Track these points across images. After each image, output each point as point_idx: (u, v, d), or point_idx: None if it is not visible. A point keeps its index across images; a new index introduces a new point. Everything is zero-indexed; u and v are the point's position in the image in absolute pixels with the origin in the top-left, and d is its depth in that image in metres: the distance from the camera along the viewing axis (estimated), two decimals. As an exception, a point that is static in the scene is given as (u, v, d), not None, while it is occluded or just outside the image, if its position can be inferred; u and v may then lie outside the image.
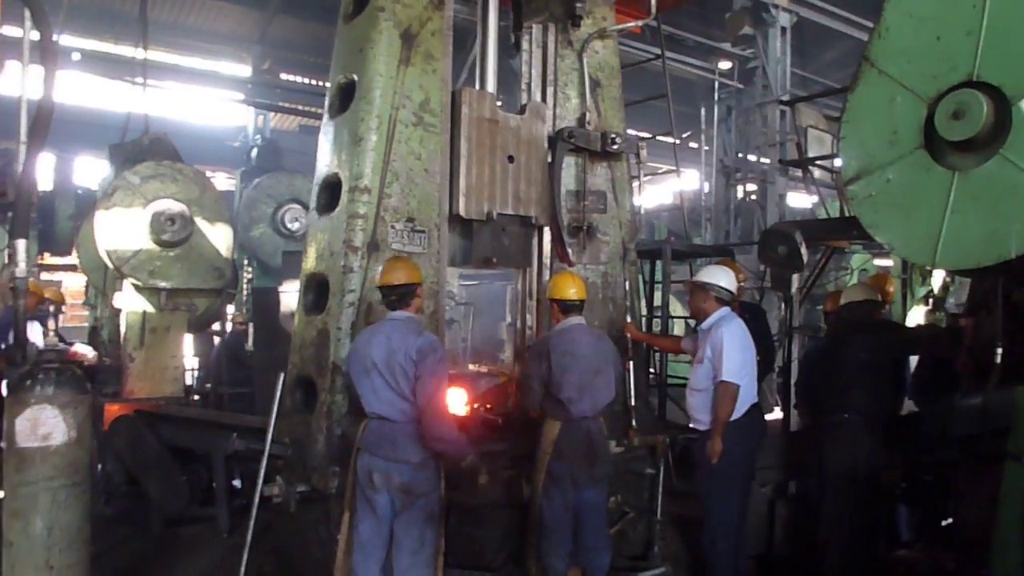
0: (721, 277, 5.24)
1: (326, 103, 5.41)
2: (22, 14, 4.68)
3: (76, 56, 12.34)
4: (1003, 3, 3.89)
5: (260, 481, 4.71)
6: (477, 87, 5.59)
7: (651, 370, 7.19)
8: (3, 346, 4.18)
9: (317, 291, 5.13)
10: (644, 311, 7.55)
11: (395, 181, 4.94)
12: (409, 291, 4.36)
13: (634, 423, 5.61)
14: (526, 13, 6.09)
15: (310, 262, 5.23)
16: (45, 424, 3.52)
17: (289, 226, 12.78)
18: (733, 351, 4.93)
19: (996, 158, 3.88)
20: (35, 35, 4.31)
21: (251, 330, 11.28)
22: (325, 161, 5.27)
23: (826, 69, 18.99)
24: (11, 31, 4.80)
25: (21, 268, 3.74)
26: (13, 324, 3.94)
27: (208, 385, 8.96)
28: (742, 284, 6.72)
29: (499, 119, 5.32)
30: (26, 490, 3.51)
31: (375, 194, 4.86)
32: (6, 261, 3.85)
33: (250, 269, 13.41)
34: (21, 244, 3.76)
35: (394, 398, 4.19)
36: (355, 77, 5.07)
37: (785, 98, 13.40)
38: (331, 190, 5.16)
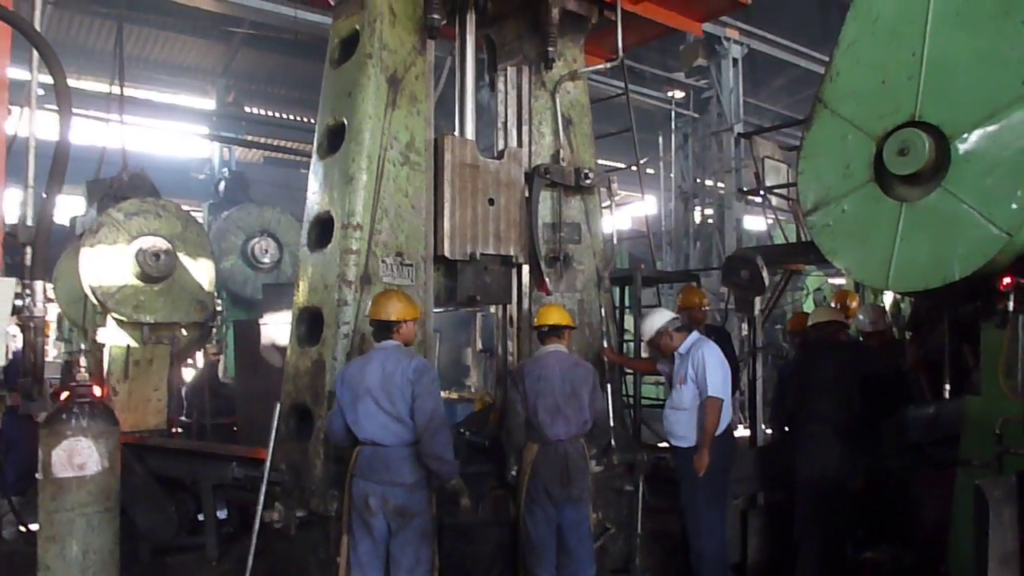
0: (660, 318, 5.64)
1: (315, 144, 5.65)
2: (29, 57, 4.87)
3: (40, 92, 12.39)
4: (939, 51, 4.33)
5: (260, 506, 4.88)
6: (457, 132, 5.88)
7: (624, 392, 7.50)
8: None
9: (310, 323, 5.35)
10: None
11: (385, 217, 5.21)
12: (389, 326, 4.58)
13: (612, 442, 5.90)
14: (500, 56, 6.44)
15: (303, 295, 5.45)
16: (80, 454, 3.69)
17: (260, 258, 12.85)
18: (716, 368, 5.30)
19: (939, 190, 4.29)
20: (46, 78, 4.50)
21: (223, 361, 11.38)
22: (316, 199, 5.50)
23: (776, 95, 19.75)
24: (19, 74, 4.95)
25: (39, 307, 3.92)
26: (27, 360, 4.10)
27: (184, 417, 9.04)
28: (706, 307, 7.10)
29: (479, 164, 5.65)
30: (62, 516, 3.68)
31: (366, 230, 5.12)
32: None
33: (219, 300, 13.44)
34: (39, 285, 3.94)
35: (388, 422, 4.39)
36: (344, 120, 5.34)
37: (740, 128, 13.97)
38: (322, 226, 5.41)
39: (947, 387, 5.49)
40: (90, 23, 15.42)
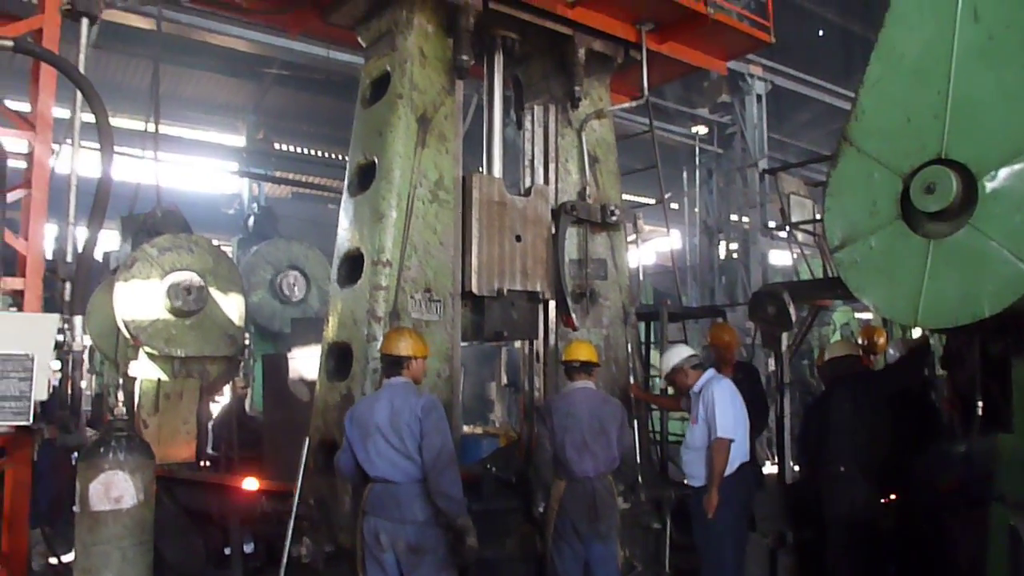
0: (677, 355, 5.60)
1: (345, 182, 5.78)
2: (71, 96, 5.04)
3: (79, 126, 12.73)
4: (965, 89, 4.36)
5: (288, 540, 4.92)
6: (484, 170, 5.98)
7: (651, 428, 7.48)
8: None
9: (339, 358, 5.43)
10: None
11: (414, 254, 5.29)
12: (399, 361, 4.58)
13: (640, 479, 5.88)
14: (527, 95, 6.56)
15: (332, 331, 5.53)
16: (117, 488, 3.76)
17: (287, 292, 13.02)
18: (725, 408, 5.25)
19: (967, 228, 4.28)
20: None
21: (251, 395, 11.47)
22: (346, 236, 5.61)
23: (800, 130, 19.81)
24: (59, 112, 5.13)
25: (78, 342, 4.01)
26: (65, 393, 4.19)
27: (211, 450, 9.12)
28: (735, 345, 7.03)
29: (507, 201, 5.74)
30: (98, 549, 3.74)
31: (396, 267, 5.20)
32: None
33: (248, 334, 13.59)
34: (78, 320, 4.05)
35: (398, 459, 4.38)
36: (375, 158, 5.46)
37: (764, 163, 14.01)
38: (352, 263, 5.50)
39: (979, 424, 5.42)
40: (127, 62, 15.86)
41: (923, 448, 5.60)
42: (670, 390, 6.63)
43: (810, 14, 17.53)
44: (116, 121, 15.21)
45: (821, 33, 18.36)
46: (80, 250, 4.39)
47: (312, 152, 19.15)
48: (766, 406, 7.07)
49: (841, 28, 18.24)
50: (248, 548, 7.00)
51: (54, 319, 3.74)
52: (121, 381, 8.35)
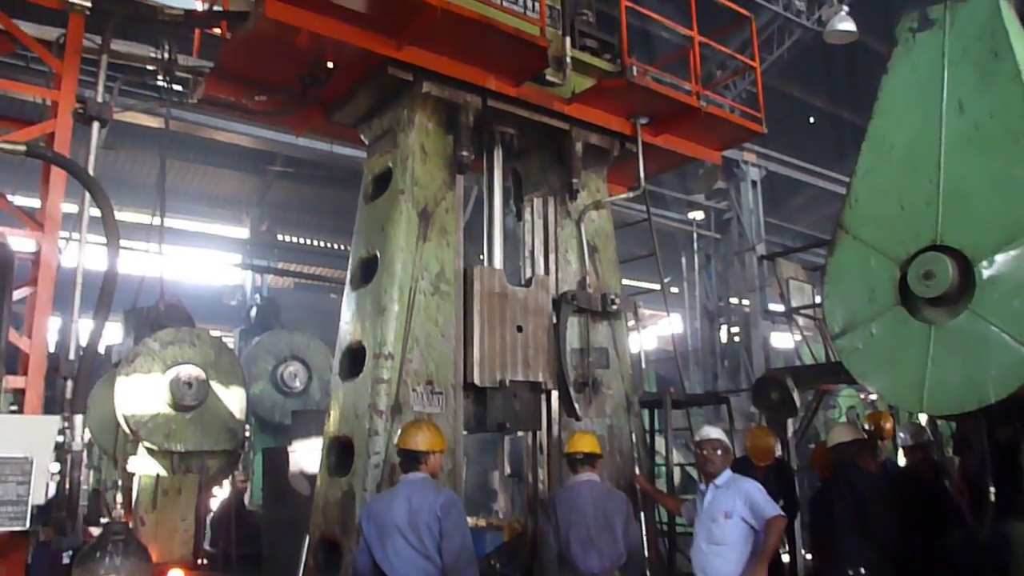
0: (719, 432, 5.46)
1: (348, 275, 5.83)
2: (81, 192, 5.15)
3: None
4: (955, 177, 4.45)
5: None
6: (485, 261, 6.05)
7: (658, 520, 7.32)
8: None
9: (340, 453, 5.37)
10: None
11: (415, 347, 5.30)
12: (418, 456, 4.49)
13: (647, 574, 5.72)
14: (527, 186, 6.69)
15: (333, 424, 5.49)
16: (113, 594, 3.67)
17: (289, 383, 12.96)
18: (766, 494, 5.05)
19: (966, 313, 4.31)
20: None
21: (250, 488, 11.29)
22: (348, 329, 5.63)
23: (796, 214, 20.10)
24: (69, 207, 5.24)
25: (77, 442, 3.98)
26: (63, 493, 4.12)
27: (209, 546, 8.92)
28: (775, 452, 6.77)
29: (508, 292, 5.79)
30: (91, 660, 3.62)
31: (398, 359, 5.20)
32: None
33: (248, 426, 13.47)
34: (78, 420, 4.02)
35: (416, 558, 4.26)
36: (377, 252, 5.53)
37: (762, 248, 14.16)
38: (354, 356, 5.50)
39: (992, 510, 5.31)
40: (135, 158, 16.22)
41: (936, 535, 5.48)
42: (677, 473, 6.48)
43: (800, 102, 18.02)
44: (123, 215, 15.44)
45: (812, 120, 18.84)
46: (83, 346, 4.40)
47: (314, 243, 19.41)
48: (796, 504, 6.83)
49: (831, 115, 18.73)
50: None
51: (55, 422, 3.72)
52: (119, 482, 8.25)
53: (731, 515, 5.02)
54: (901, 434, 6.73)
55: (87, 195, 5.03)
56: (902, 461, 7.29)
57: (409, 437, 4.56)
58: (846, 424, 6.66)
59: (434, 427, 4.69)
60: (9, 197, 5.29)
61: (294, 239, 19.35)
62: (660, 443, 8.43)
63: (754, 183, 15.74)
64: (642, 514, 5.83)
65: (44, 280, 4.81)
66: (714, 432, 5.38)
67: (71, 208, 5.76)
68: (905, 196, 4.67)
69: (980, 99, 4.45)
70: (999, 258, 4.22)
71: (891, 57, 4.92)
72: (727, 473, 5.20)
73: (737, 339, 16.04)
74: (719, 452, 5.20)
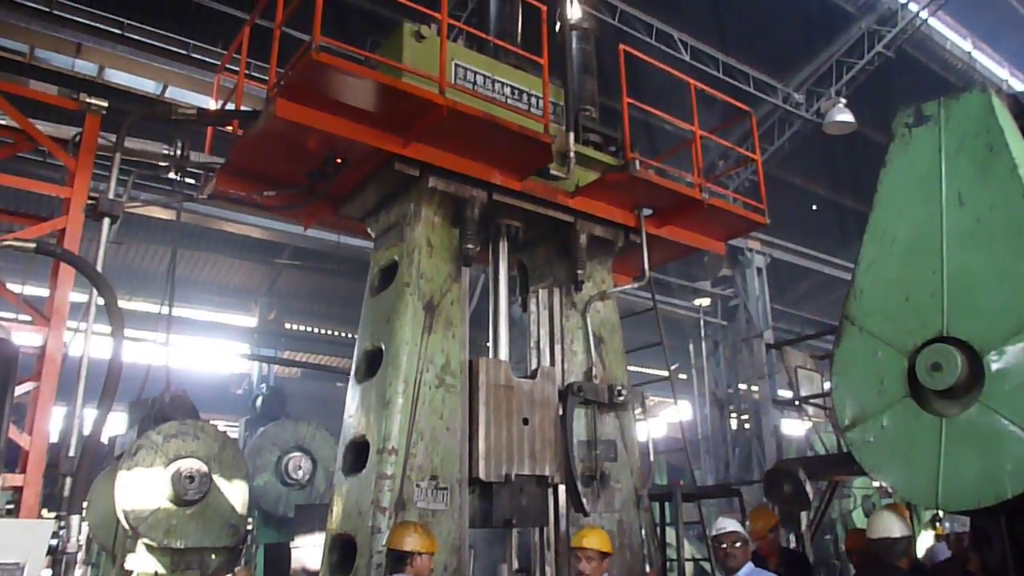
0: (737, 524, 5.32)
1: (352, 368, 5.81)
2: (87, 284, 5.20)
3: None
4: (958, 269, 4.45)
5: None
6: (491, 353, 6.04)
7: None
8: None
9: (342, 551, 5.24)
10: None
11: (420, 440, 5.23)
12: (402, 557, 4.47)
13: None
14: (532, 278, 6.73)
15: (335, 521, 5.37)
16: None
17: (293, 475, 12.77)
18: None
19: (977, 406, 4.24)
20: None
21: (252, 585, 10.97)
22: (352, 423, 5.57)
23: (801, 300, 20.13)
24: (77, 296, 5.28)
25: (72, 542, 3.89)
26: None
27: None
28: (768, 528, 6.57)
29: (514, 384, 5.75)
30: None
31: (402, 454, 5.13)
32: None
33: (251, 519, 13.21)
34: (75, 520, 3.95)
35: None
36: (382, 345, 5.52)
37: (769, 335, 14.13)
38: (357, 450, 5.43)
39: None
40: (145, 249, 16.46)
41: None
42: (688, 568, 6.28)
43: (802, 190, 18.30)
44: (132, 305, 15.66)
45: (814, 207, 19.07)
46: (84, 441, 4.36)
47: (322, 331, 19.46)
48: None
49: (833, 202, 18.98)
50: None
51: (48, 526, 3.65)
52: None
53: None
54: (947, 523, 6.46)
55: (94, 291, 5.08)
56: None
57: (396, 537, 4.55)
58: (894, 514, 5.99)
59: (424, 529, 4.65)
60: (18, 287, 5.35)
61: (302, 327, 19.41)
62: (671, 535, 8.23)
63: (759, 270, 15.83)
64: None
65: (48, 375, 4.82)
66: (731, 524, 5.25)
67: (79, 298, 5.83)
68: (910, 287, 4.65)
69: (979, 192, 4.49)
70: (1008, 350, 4.17)
71: (889, 151, 4.99)
72: (748, 567, 5.07)
73: (747, 427, 15.83)
74: (738, 545, 5.09)
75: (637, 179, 6.21)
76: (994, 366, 4.17)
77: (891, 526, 5.31)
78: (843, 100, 13.85)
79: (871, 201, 5.00)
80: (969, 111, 4.62)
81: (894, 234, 4.83)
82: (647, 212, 6.67)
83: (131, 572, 7.28)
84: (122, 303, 5.03)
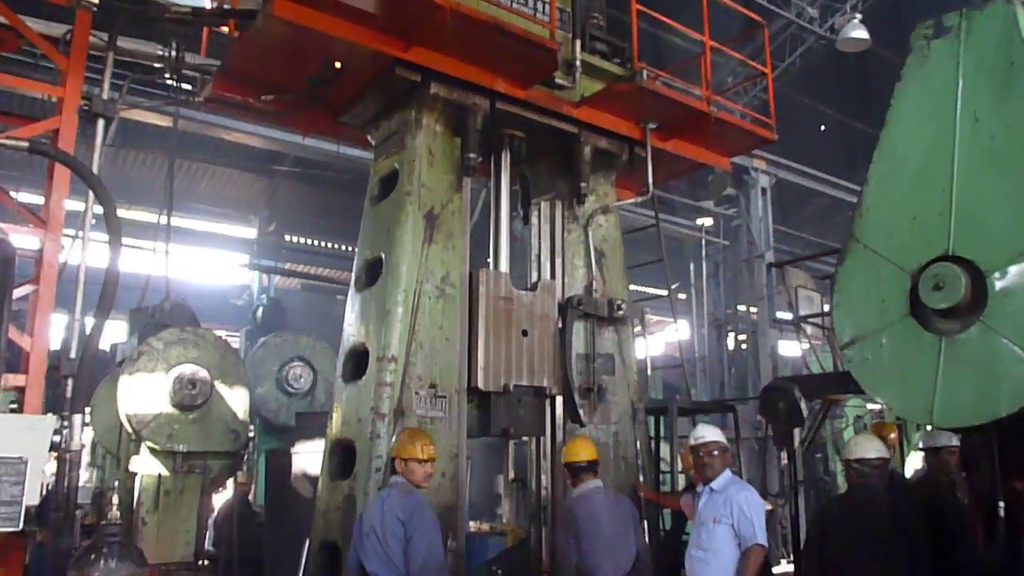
0: (716, 432, 5.34)
1: (352, 277, 5.79)
2: (85, 190, 5.13)
3: (92, 221, 12.98)
4: (968, 190, 4.38)
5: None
6: (491, 265, 6.01)
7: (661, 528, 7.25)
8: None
9: (343, 457, 5.32)
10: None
11: (419, 350, 5.25)
12: (401, 461, 4.52)
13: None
14: (534, 191, 6.64)
15: (335, 428, 5.44)
16: (107, 598, 3.63)
17: (293, 384, 12.92)
18: (760, 514, 4.95)
19: (978, 325, 4.23)
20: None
21: (254, 490, 11.25)
22: (352, 331, 5.59)
23: (805, 223, 19.98)
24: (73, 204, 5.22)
25: (76, 442, 3.94)
26: (60, 496, 4.09)
27: (212, 547, 8.89)
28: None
29: (514, 297, 5.74)
30: (84, 664, 3.57)
31: (401, 363, 5.15)
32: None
33: (252, 427, 13.43)
34: (77, 419, 3.99)
35: (387, 561, 4.30)
36: (382, 254, 5.49)
37: (771, 256, 14.07)
38: (357, 359, 5.46)
39: (1003, 527, 5.22)
40: (143, 159, 16.25)
41: (946, 553, 5.37)
42: (681, 479, 6.38)
43: (812, 110, 17.94)
44: (131, 215, 15.55)
45: (823, 128, 18.75)
46: (84, 344, 4.37)
47: (322, 244, 19.39)
48: None
49: (842, 124, 18.65)
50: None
51: (51, 421, 3.68)
52: (116, 483, 8.22)
53: (719, 521, 4.92)
54: (922, 441, 6.51)
55: (91, 194, 5.01)
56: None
57: (397, 442, 4.64)
58: (872, 436, 6.04)
59: (420, 434, 4.68)
60: (12, 195, 5.27)
61: (302, 240, 19.34)
62: (665, 450, 8.36)
63: (764, 190, 15.64)
64: (645, 524, 5.75)
65: (46, 278, 4.78)
66: (710, 433, 5.22)
67: (77, 206, 5.75)
68: (917, 206, 4.59)
69: (996, 109, 4.38)
70: (1012, 270, 4.14)
71: (904, 65, 4.85)
72: (725, 475, 5.06)
73: (744, 348, 15.94)
74: (716, 454, 5.07)
75: (644, 90, 6.06)
76: (998, 286, 4.15)
77: (867, 448, 5.31)
78: (859, 16, 13.42)
79: (881, 123, 4.89)
80: (992, 23, 4.46)
81: (905, 152, 4.74)
82: (653, 125, 6.53)
83: (135, 474, 7.44)
84: (120, 213, 4.97)
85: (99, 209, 5.00)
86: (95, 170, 5.10)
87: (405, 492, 4.45)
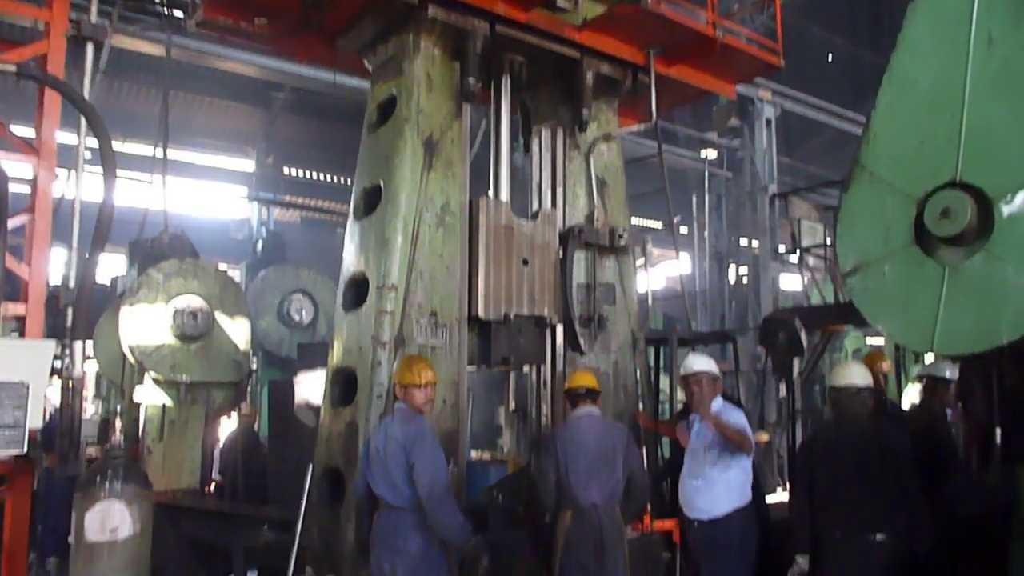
0: (709, 362, 5.39)
1: (351, 206, 5.73)
2: (76, 122, 5.03)
3: (87, 155, 12.84)
4: (979, 115, 4.28)
5: (291, 572, 4.82)
6: (491, 194, 5.93)
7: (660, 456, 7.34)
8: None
9: (344, 385, 5.35)
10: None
11: (419, 279, 5.22)
12: (406, 388, 4.54)
13: (648, 507, 5.74)
14: (535, 118, 6.52)
15: (336, 356, 5.45)
16: (113, 519, 3.69)
17: (295, 316, 12.97)
18: (746, 423, 5.07)
19: (983, 253, 4.19)
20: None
21: (258, 421, 11.37)
22: (351, 260, 5.55)
23: (810, 156, 19.74)
24: (67, 138, 5.13)
25: (78, 368, 3.96)
26: (65, 422, 4.13)
27: (217, 475, 9.04)
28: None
29: (514, 225, 5.69)
30: (93, 583, 3.65)
31: (401, 291, 5.14)
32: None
33: (255, 359, 13.53)
34: (78, 346, 3.99)
35: (390, 484, 4.38)
36: (381, 182, 5.41)
37: (774, 188, 13.94)
38: (357, 287, 5.44)
39: (998, 455, 5.27)
40: (137, 90, 15.98)
41: (940, 481, 5.44)
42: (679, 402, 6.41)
43: (819, 40, 17.57)
44: (127, 148, 15.38)
45: (831, 58, 18.38)
46: (81, 272, 4.35)
47: (321, 177, 19.23)
48: None
49: (851, 54, 18.27)
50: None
51: (50, 345, 3.69)
52: (119, 408, 8.31)
53: (712, 447, 5.02)
54: (914, 388, 6.54)
55: (83, 121, 4.91)
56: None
57: (398, 369, 4.65)
58: (858, 364, 6.04)
59: (419, 361, 4.68)
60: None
61: (301, 173, 19.18)
62: (664, 381, 8.41)
63: (768, 122, 15.41)
64: (644, 451, 5.81)
65: (41, 208, 4.74)
66: (699, 364, 5.28)
67: (71, 139, 5.66)
68: (926, 132, 4.50)
69: (1012, 32, 4.25)
70: (1020, 197, 4.08)
71: (918, -15, 4.69)
72: (716, 402, 5.17)
73: (745, 281, 15.93)
74: (705, 384, 5.18)
75: (648, 13, 5.88)
76: (1006, 212, 4.09)
77: (847, 375, 5.24)
78: (870, -60, 13.03)
79: (891, 52, 4.76)
80: (1010, -60, 4.30)
81: (916, 76, 4.62)
82: (657, 50, 6.36)
83: (140, 405, 7.52)
84: (116, 145, 4.87)
85: (93, 142, 4.91)
86: (87, 98, 5.00)
87: (407, 418, 4.49)
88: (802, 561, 4.64)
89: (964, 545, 5.12)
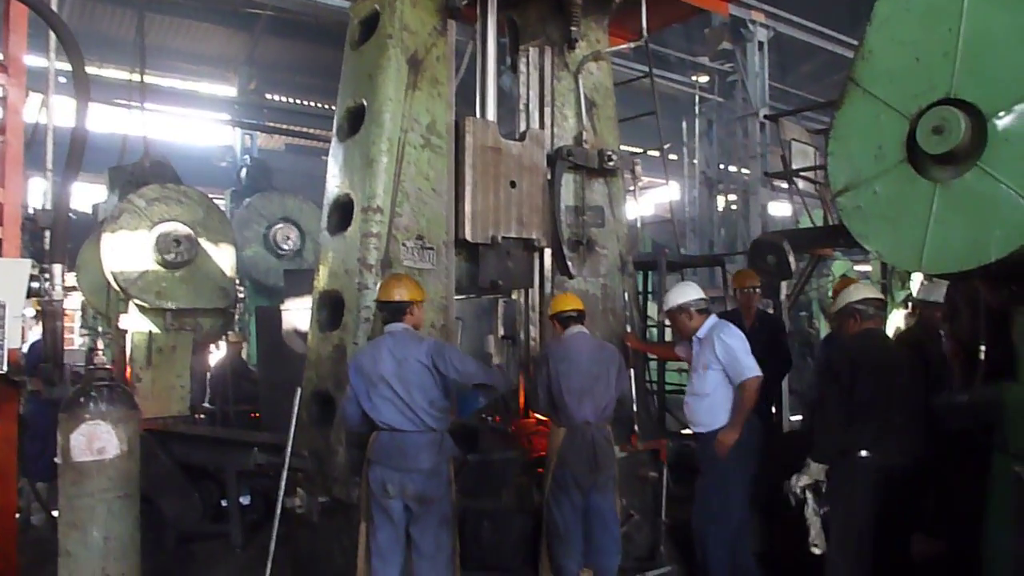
0: (685, 293, 5.42)
1: (335, 126, 5.60)
2: (46, 44, 4.84)
3: (63, 79, 12.47)
4: (977, 28, 4.18)
5: (281, 492, 4.87)
6: (478, 115, 5.80)
7: (648, 379, 7.40)
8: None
9: (331, 308, 5.31)
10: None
11: (405, 201, 5.14)
12: (400, 307, 4.52)
13: (636, 428, 5.82)
14: (523, 36, 6.35)
15: (323, 280, 5.41)
16: (99, 439, 3.69)
17: (281, 244, 12.90)
18: (744, 350, 5.12)
19: (974, 170, 4.14)
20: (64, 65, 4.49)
21: (246, 349, 11.42)
22: (335, 182, 5.45)
23: (804, 81, 19.46)
24: (39, 61, 4.94)
25: (57, 291, 3.90)
26: (48, 345, 4.10)
27: (207, 403, 9.10)
28: (756, 288, 6.65)
29: (501, 146, 5.57)
30: (83, 502, 3.68)
31: (387, 213, 5.06)
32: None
33: (242, 288, 13.49)
34: (57, 268, 3.93)
35: (404, 408, 4.35)
36: (364, 101, 5.28)
37: (766, 112, 13.76)
38: (342, 210, 5.36)
39: (983, 373, 5.33)
40: (112, 12, 15.49)
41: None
42: (668, 333, 6.47)
43: (815, -41, 17.11)
44: (104, 72, 14.95)
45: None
46: (57, 194, 4.25)
47: (305, 103, 18.85)
48: (788, 360, 6.83)
49: (846, -26, 17.83)
50: (245, 501, 7.00)
51: (26, 265, 3.62)
52: (100, 330, 8.25)
53: (709, 367, 5.15)
54: (916, 293, 6.49)
55: (53, 37, 4.72)
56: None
57: (390, 289, 4.56)
58: (864, 284, 5.96)
59: (413, 280, 4.67)
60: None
61: (284, 99, 18.78)
62: (653, 309, 8.44)
63: (761, 45, 15.12)
64: (632, 372, 5.85)
65: (13, 127, 4.58)
66: (678, 298, 5.38)
67: (42, 63, 5.45)
68: (922, 47, 4.39)
69: (1012, -60, 4.12)
70: (1015, 113, 3.99)
71: None
72: (708, 322, 5.27)
73: (735, 207, 15.88)
74: (685, 316, 5.34)
75: (640, -76, 5.68)
76: (999, 127, 4.01)
77: (866, 291, 5.25)
78: None
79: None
80: None
81: (913, -12, 4.49)
82: (648, -36, 6.17)
83: (125, 332, 7.47)
84: (92, 70, 4.71)
85: (65, 65, 4.73)
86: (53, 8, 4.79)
87: (417, 339, 4.47)
88: (816, 470, 4.62)
89: (949, 458, 5.22)
